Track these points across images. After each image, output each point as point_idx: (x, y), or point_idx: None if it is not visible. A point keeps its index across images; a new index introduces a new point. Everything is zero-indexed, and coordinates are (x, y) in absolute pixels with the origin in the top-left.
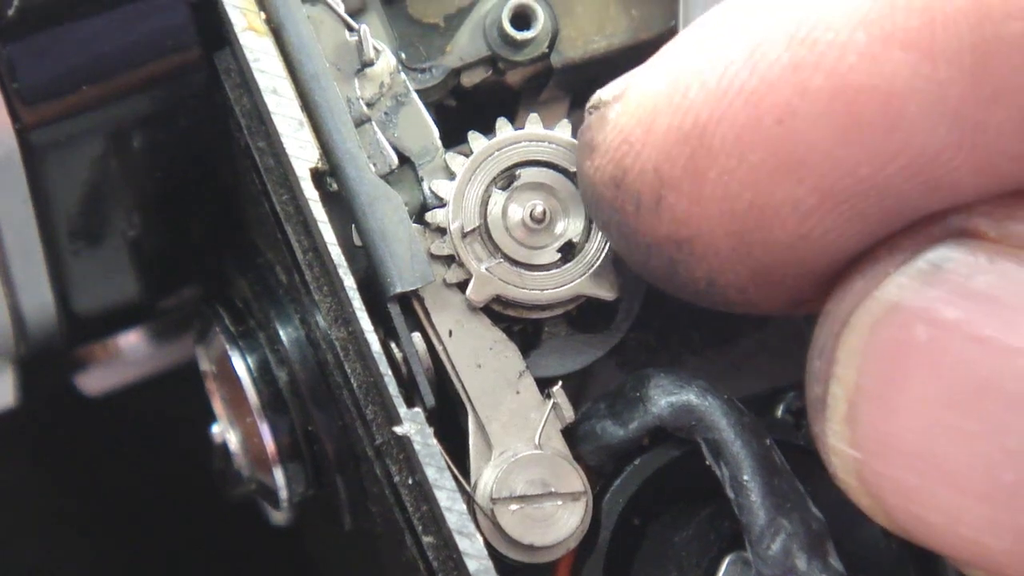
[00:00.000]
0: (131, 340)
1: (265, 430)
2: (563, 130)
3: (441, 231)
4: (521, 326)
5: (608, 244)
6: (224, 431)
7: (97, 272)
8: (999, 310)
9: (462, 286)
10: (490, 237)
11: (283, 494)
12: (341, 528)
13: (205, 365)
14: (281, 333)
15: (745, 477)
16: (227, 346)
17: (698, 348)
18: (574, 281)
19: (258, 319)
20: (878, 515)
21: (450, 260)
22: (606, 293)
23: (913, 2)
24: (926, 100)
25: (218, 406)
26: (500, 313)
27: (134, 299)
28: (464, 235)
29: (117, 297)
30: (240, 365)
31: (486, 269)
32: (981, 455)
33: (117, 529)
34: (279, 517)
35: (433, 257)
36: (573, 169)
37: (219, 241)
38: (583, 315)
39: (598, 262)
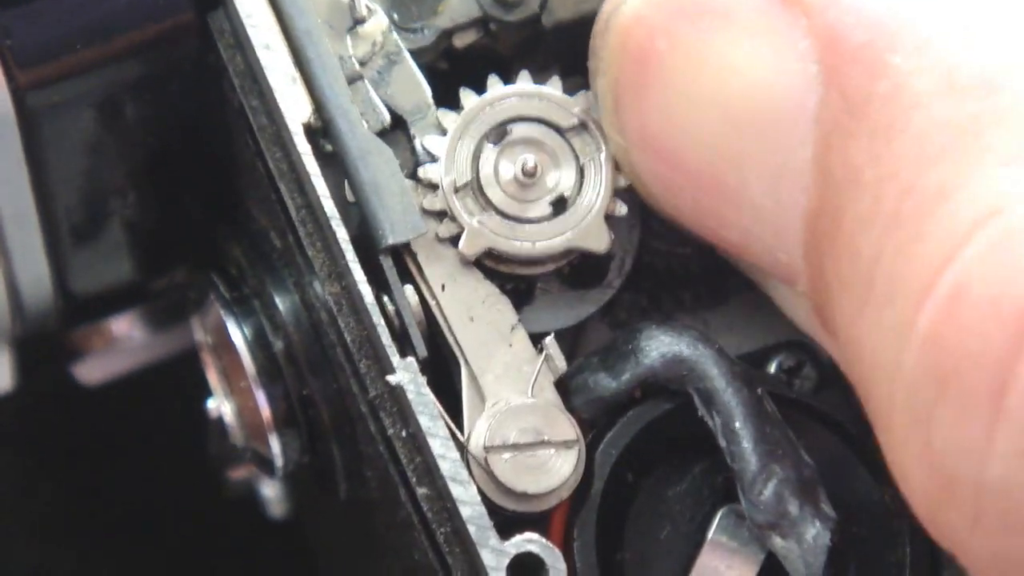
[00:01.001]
0: (127, 328)
1: (261, 396)
2: (554, 86)
3: (433, 187)
4: (514, 283)
5: (600, 198)
6: (219, 404)
7: (93, 247)
8: (728, 26)
9: (454, 240)
10: (482, 191)
11: (279, 462)
12: (337, 501)
13: (201, 335)
14: (276, 298)
15: (737, 424)
16: (223, 313)
17: (690, 308)
18: (565, 234)
19: (253, 286)
20: (649, 199)
21: (443, 215)
22: (597, 246)
23: None
24: None
25: (213, 377)
26: (493, 269)
27: (129, 277)
28: (456, 189)
29: (112, 275)
30: (236, 332)
31: (477, 222)
32: (706, 154)
33: (115, 522)
34: (277, 509)
35: (426, 212)
36: (564, 124)
37: (213, 212)
38: (575, 272)
39: (589, 215)
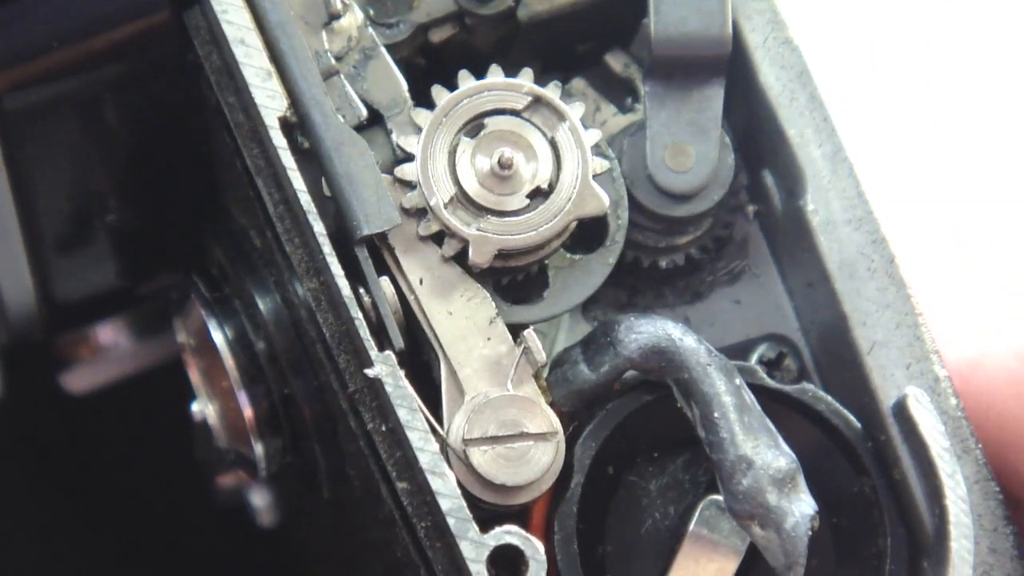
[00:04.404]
0: (113, 336)
1: (243, 397)
2: (525, 77)
3: (410, 185)
4: (524, 272)
5: (581, 162)
6: (203, 407)
7: (77, 253)
8: None
9: (462, 255)
10: (469, 199)
11: (262, 463)
12: (321, 502)
13: (183, 337)
14: (257, 298)
15: (715, 415)
16: (204, 314)
17: (670, 304)
18: (563, 209)
19: (233, 286)
20: None
21: (423, 214)
22: (597, 209)
23: None
24: None
25: (196, 378)
26: (503, 267)
27: (114, 283)
28: (445, 206)
29: (97, 280)
30: (217, 333)
31: (478, 230)
32: None
33: (107, 530)
34: (265, 517)
35: (405, 211)
36: (519, 106)
37: (196, 212)
38: (577, 239)
39: (578, 182)
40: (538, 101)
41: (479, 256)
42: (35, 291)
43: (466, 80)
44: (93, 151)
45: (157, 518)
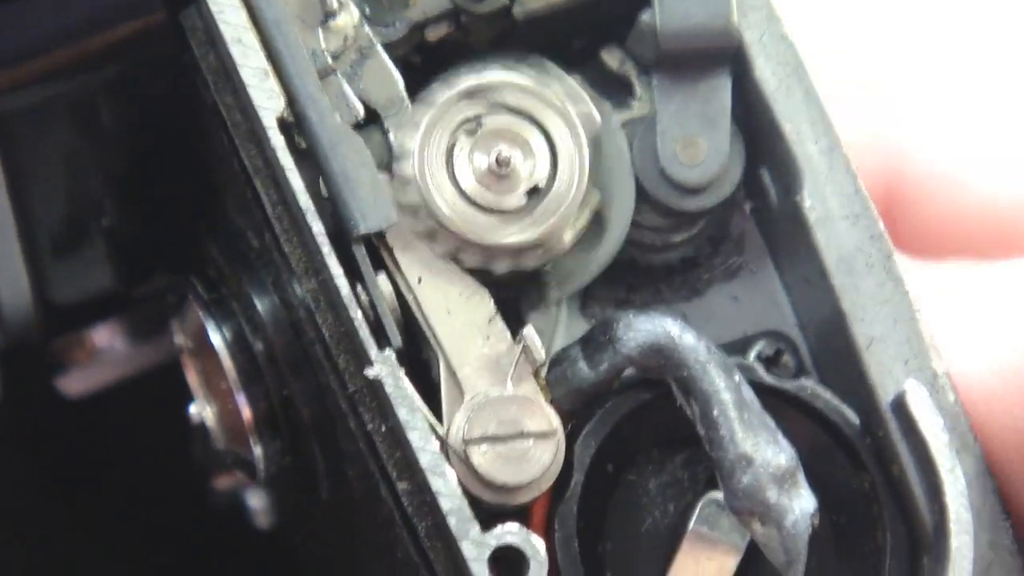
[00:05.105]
0: (108, 339)
1: (241, 398)
2: (519, 74)
3: (408, 181)
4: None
5: (580, 161)
6: (201, 409)
7: (73, 256)
8: None
9: (431, 235)
10: (467, 197)
11: (260, 464)
12: (319, 504)
13: (180, 339)
14: (255, 299)
15: (715, 412)
16: (202, 315)
17: (668, 300)
18: (563, 205)
19: (231, 287)
20: None
21: (418, 210)
22: (595, 201)
23: None
24: None
25: (194, 380)
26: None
27: (110, 285)
28: (442, 203)
29: (94, 283)
30: (215, 334)
31: (475, 228)
32: None
33: (104, 532)
34: (263, 519)
35: (401, 208)
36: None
37: (192, 213)
38: None
39: (577, 179)
40: (532, 95)
41: (475, 255)
42: (31, 294)
43: (463, 78)
44: (88, 153)
45: (154, 521)
